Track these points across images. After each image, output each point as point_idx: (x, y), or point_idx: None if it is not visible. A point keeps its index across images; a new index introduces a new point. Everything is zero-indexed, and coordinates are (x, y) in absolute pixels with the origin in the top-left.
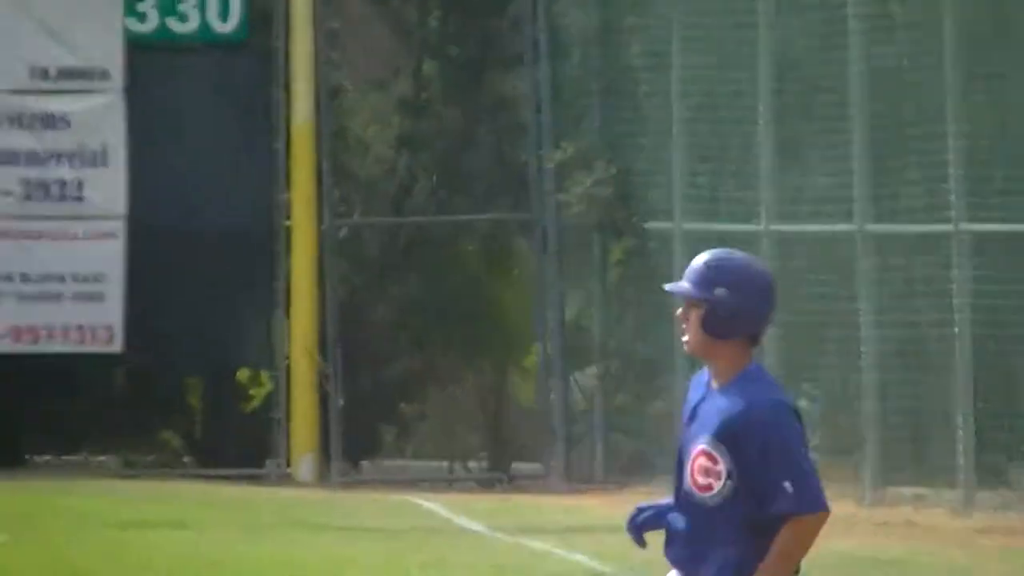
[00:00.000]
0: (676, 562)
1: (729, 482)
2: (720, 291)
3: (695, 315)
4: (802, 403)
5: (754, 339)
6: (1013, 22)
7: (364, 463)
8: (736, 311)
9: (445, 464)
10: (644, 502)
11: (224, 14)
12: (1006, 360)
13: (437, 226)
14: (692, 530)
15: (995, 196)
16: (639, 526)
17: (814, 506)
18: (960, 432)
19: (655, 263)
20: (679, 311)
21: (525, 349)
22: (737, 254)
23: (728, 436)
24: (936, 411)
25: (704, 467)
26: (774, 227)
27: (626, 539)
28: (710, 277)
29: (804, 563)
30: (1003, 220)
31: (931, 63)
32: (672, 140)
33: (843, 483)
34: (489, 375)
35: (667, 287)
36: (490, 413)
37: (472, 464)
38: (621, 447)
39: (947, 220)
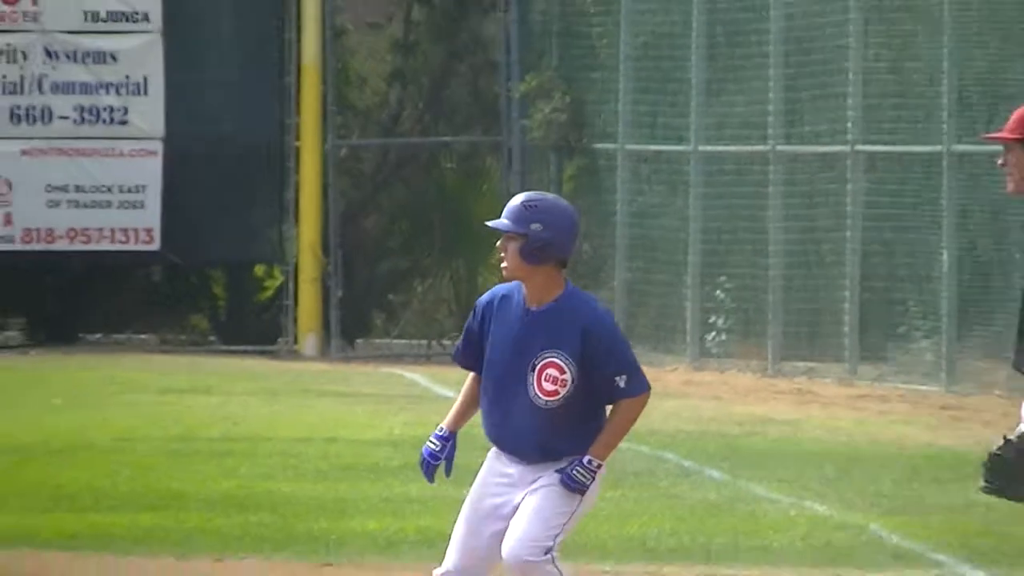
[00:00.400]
0: (524, 455)
1: (573, 385)
2: (535, 226)
3: (513, 246)
4: (718, 293)
5: (563, 264)
6: None
7: (358, 341)
8: (549, 242)
9: (424, 342)
10: (431, 450)
11: None
12: (888, 259)
13: (421, 147)
14: (535, 427)
15: (885, 122)
16: (432, 470)
17: (642, 389)
18: (847, 317)
19: (602, 178)
20: (499, 243)
21: (491, 249)
22: (548, 195)
23: (575, 347)
24: (828, 300)
25: (552, 376)
26: (701, 148)
27: None
28: (526, 215)
29: (717, 422)
30: (891, 143)
31: (837, 9)
32: (619, 74)
33: (749, 358)
34: (462, 270)
35: (489, 224)
36: (462, 301)
37: (446, 342)
38: None
39: (845, 142)
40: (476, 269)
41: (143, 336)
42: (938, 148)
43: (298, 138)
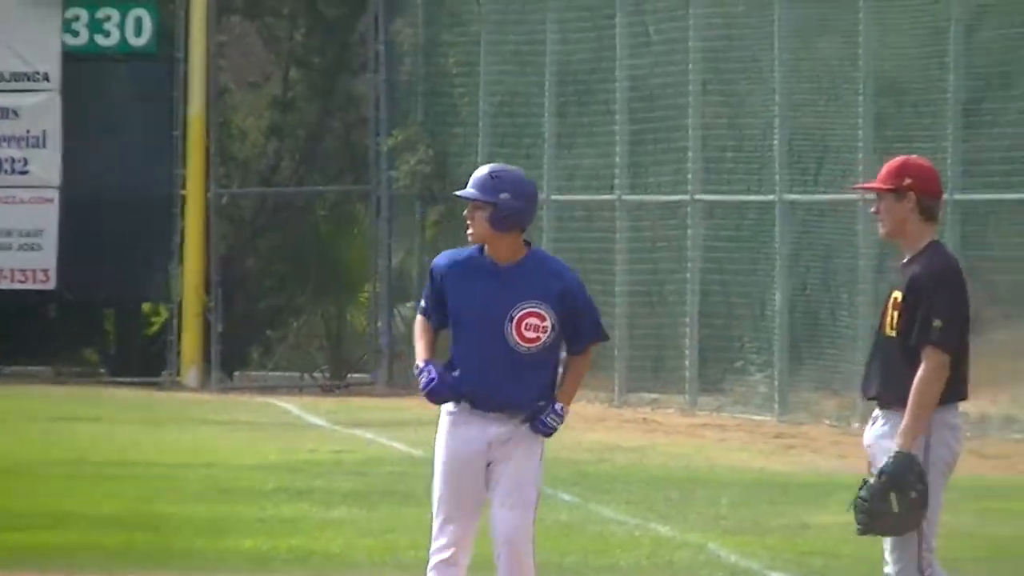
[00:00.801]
0: (503, 402)
1: (552, 333)
2: (504, 196)
3: (480, 214)
4: None
5: (524, 230)
6: (740, 38)
7: (236, 373)
8: (518, 210)
9: (297, 374)
10: (429, 379)
11: (139, 31)
12: (726, 299)
13: (297, 195)
14: (513, 375)
15: (723, 173)
16: (444, 388)
17: (605, 335)
18: (687, 352)
19: (461, 226)
20: (466, 211)
21: (360, 289)
22: (511, 167)
23: (555, 298)
24: (670, 336)
25: (533, 325)
26: (554, 197)
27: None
28: (494, 185)
29: (568, 449)
30: (728, 192)
31: (677, 71)
32: (478, 129)
33: (598, 390)
34: (332, 308)
35: (458, 193)
36: (333, 337)
37: (317, 374)
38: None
39: (685, 192)
40: (345, 308)
41: (38, 368)
42: (771, 197)
43: (184, 187)
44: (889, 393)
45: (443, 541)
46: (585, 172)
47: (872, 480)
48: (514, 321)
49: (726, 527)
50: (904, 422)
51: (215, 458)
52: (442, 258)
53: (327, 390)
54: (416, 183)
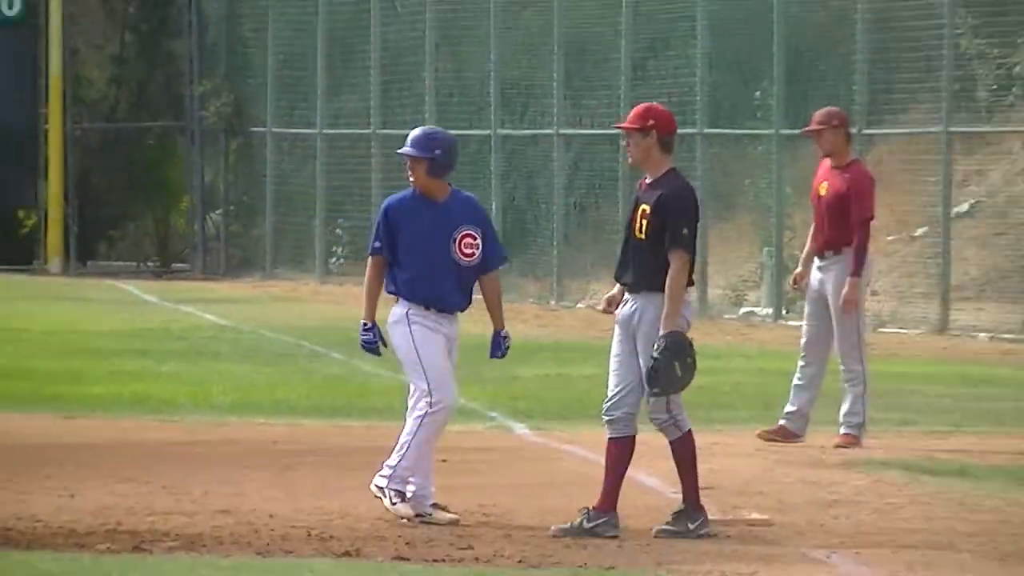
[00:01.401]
0: (454, 305)
1: (480, 250)
2: (437, 152)
3: (420, 167)
4: (337, 231)
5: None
6: (464, 10)
7: (89, 263)
8: (447, 164)
9: (135, 264)
10: (367, 339)
11: (10, 5)
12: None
13: (131, 130)
14: (459, 285)
15: (451, 113)
16: (374, 349)
17: (506, 260)
18: None
19: (255, 152)
20: (408, 163)
21: (181, 200)
22: (439, 129)
23: (480, 223)
24: None
25: (470, 243)
26: (325, 131)
27: (246, 305)
28: (429, 144)
29: (338, 319)
30: (455, 127)
31: (417, 35)
32: (267, 80)
33: (358, 275)
34: (160, 214)
35: (400, 151)
36: (160, 235)
37: (150, 264)
38: (235, 254)
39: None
40: (169, 214)
41: None
42: (487, 132)
43: (47, 123)
44: (640, 282)
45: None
46: (349, 112)
47: (658, 353)
48: (456, 242)
49: (457, 378)
50: (666, 310)
51: (74, 326)
52: (392, 200)
53: (157, 275)
54: (220, 121)
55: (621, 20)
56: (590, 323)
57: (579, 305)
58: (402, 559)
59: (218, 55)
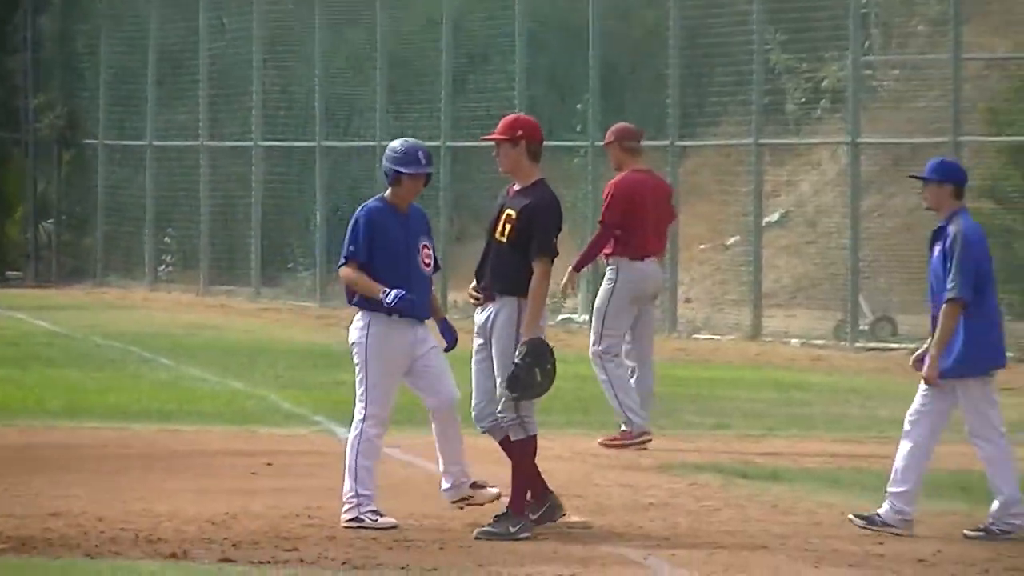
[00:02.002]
0: (425, 312)
1: (432, 260)
2: (387, 165)
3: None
4: (167, 239)
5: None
6: (290, 28)
7: None
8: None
9: None
10: (399, 293)
11: None
12: (279, 218)
13: None
14: (422, 293)
15: (278, 126)
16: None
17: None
18: (252, 255)
19: (87, 164)
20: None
21: (15, 210)
22: (399, 144)
23: (430, 234)
24: (241, 244)
25: (428, 253)
26: (155, 143)
27: (77, 312)
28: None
29: (166, 326)
30: (283, 140)
31: (245, 51)
32: (100, 94)
33: (188, 283)
34: None
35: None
36: None
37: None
38: (67, 262)
39: (249, 139)
40: (3, 223)
41: None
42: (312, 143)
43: None
44: (499, 285)
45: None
46: (178, 125)
47: (519, 360)
48: (420, 252)
49: (282, 383)
50: (528, 317)
51: None
52: (371, 213)
53: None
54: (54, 133)
55: (442, 36)
56: None
57: None
58: (228, 561)
59: (53, 70)
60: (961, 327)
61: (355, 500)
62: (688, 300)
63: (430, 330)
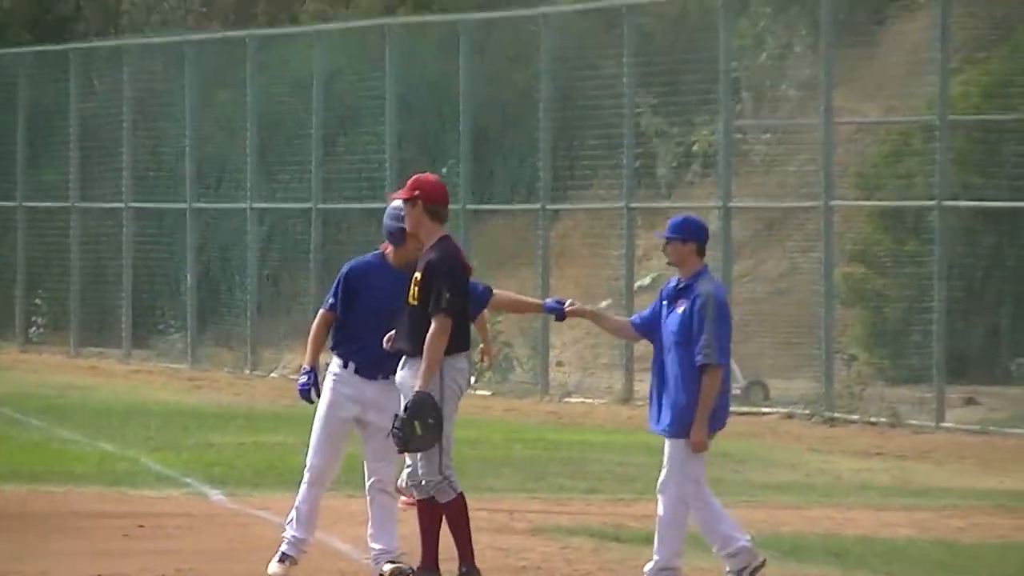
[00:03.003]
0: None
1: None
2: (395, 225)
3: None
4: (37, 301)
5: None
6: (161, 90)
7: None
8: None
9: None
10: (304, 383)
11: None
12: (151, 280)
13: None
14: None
15: (148, 187)
16: (308, 395)
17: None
18: (123, 317)
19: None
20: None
21: None
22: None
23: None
24: (112, 305)
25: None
26: (80, 204)
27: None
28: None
29: (36, 387)
30: (152, 201)
31: (115, 113)
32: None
33: (59, 344)
34: None
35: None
36: None
37: None
38: None
39: (121, 200)
40: None
41: None
42: (183, 205)
43: None
44: (413, 346)
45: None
46: (49, 185)
47: (402, 414)
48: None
49: (153, 445)
50: (422, 369)
51: None
52: (362, 263)
53: None
54: None
55: (313, 98)
56: (283, 392)
57: (272, 374)
58: None
59: None
60: (691, 391)
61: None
62: (560, 364)
63: (394, 392)
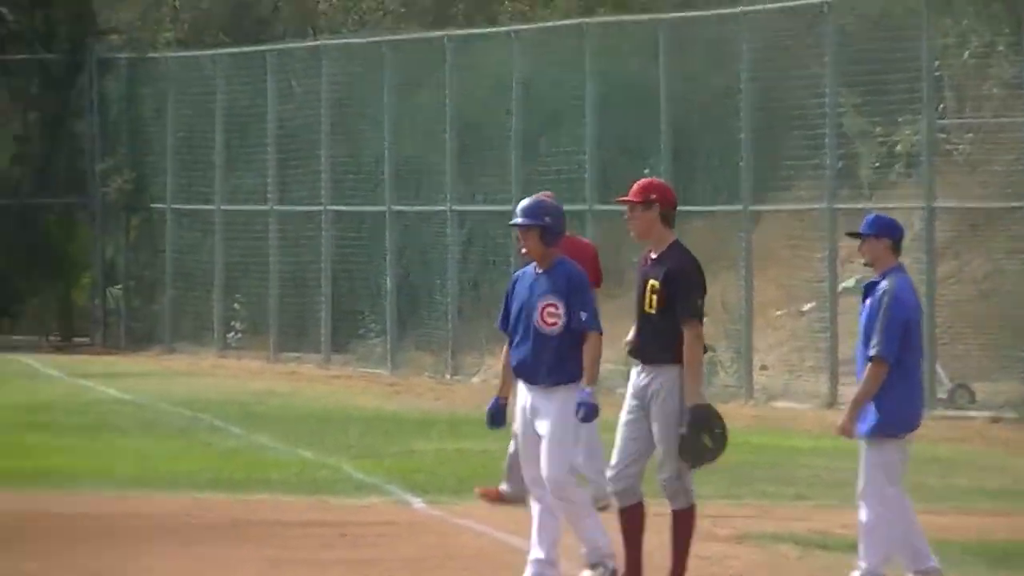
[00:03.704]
0: (529, 377)
1: (563, 319)
2: (548, 218)
3: (532, 235)
4: (235, 305)
5: (558, 241)
6: (359, 90)
7: None
8: (558, 228)
9: (37, 338)
10: (490, 412)
11: None
12: (350, 284)
13: (34, 207)
14: (538, 353)
15: (347, 190)
16: (497, 417)
17: (597, 327)
18: (323, 321)
19: (155, 228)
20: (519, 235)
21: (82, 275)
22: (543, 196)
23: (564, 291)
24: (311, 310)
25: (551, 312)
26: (223, 207)
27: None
28: (539, 211)
29: (236, 393)
30: (352, 204)
31: (313, 115)
32: (167, 158)
33: (257, 350)
34: (60, 290)
35: (512, 223)
36: (63, 310)
37: (52, 338)
38: (135, 329)
39: (319, 203)
40: (71, 288)
41: None
42: (382, 208)
43: None
44: (654, 354)
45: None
46: (247, 189)
47: (685, 430)
48: (540, 309)
49: (354, 452)
50: (688, 383)
51: None
52: (520, 271)
53: (58, 349)
54: (122, 197)
55: (512, 99)
56: (485, 397)
57: (474, 379)
58: None
59: (119, 134)
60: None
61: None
62: (764, 367)
63: (555, 396)
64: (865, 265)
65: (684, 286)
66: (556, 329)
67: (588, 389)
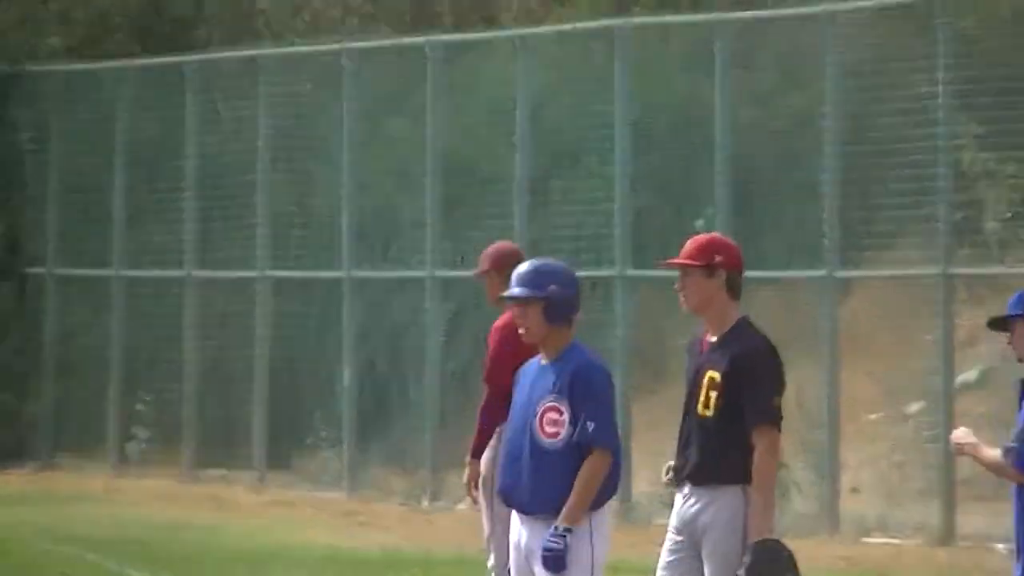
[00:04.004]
0: (522, 504)
1: (567, 428)
2: (554, 287)
3: (533, 310)
4: (138, 406)
5: (571, 321)
6: (309, 116)
7: None
8: (568, 301)
9: None
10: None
11: None
12: (294, 376)
13: None
14: (534, 473)
15: (292, 250)
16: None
17: (607, 442)
18: (255, 428)
19: (31, 303)
20: (515, 312)
21: None
22: (550, 259)
23: (569, 390)
24: (240, 412)
25: (552, 419)
26: (122, 273)
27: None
28: (541, 278)
29: (138, 526)
30: (297, 269)
31: (247, 149)
32: (47, 208)
33: (167, 466)
34: None
35: (506, 294)
36: None
37: None
38: (3, 440)
39: (254, 268)
40: None
41: None
42: (339, 274)
43: None
44: (707, 473)
45: None
46: (156, 247)
47: (746, 565)
48: (539, 416)
49: None
50: (755, 512)
51: None
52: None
53: None
54: None
55: (516, 128)
56: (472, 530)
57: (459, 506)
58: None
59: None
60: None
61: None
62: (855, 490)
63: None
64: (1020, 361)
65: (756, 379)
66: (558, 443)
67: (562, 527)
